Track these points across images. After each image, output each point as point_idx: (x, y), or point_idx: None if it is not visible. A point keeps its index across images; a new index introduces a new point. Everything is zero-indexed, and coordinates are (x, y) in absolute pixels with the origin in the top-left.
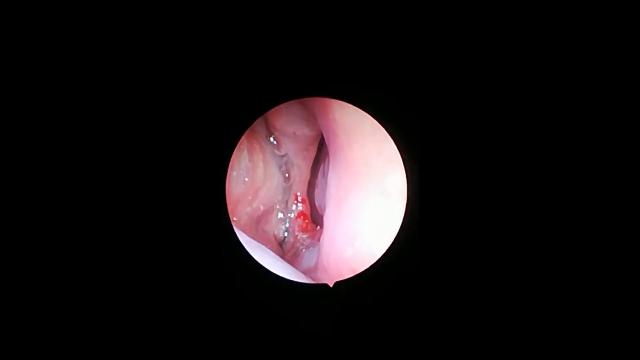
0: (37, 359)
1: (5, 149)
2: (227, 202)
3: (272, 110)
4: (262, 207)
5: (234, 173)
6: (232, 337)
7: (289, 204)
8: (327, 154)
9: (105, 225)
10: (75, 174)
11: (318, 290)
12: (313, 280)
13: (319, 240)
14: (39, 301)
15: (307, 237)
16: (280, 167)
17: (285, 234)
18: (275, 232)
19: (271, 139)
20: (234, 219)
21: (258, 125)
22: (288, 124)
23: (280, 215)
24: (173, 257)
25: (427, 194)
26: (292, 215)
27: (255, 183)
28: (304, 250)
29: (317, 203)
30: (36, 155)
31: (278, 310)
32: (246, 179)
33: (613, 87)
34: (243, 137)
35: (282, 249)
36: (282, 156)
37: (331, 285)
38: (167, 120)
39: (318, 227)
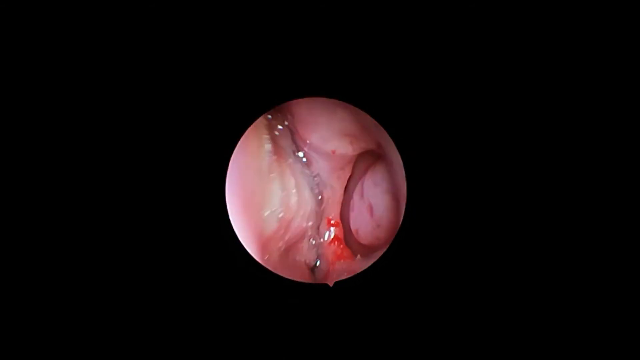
0: (37, 359)
1: (7, 149)
2: (258, 241)
3: (303, 120)
4: (294, 240)
5: (267, 212)
6: (232, 338)
7: (320, 229)
8: (366, 168)
9: (105, 225)
10: (75, 173)
11: (318, 290)
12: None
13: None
14: (38, 301)
15: (346, 271)
16: (312, 189)
17: (318, 262)
18: (307, 261)
19: (300, 154)
20: (265, 257)
21: (283, 138)
22: (326, 140)
23: (312, 241)
24: (172, 257)
25: (428, 194)
26: (325, 239)
27: (289, 215)
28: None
29: (352, 227)
30: (37, 156)
31: (278, 310)
32: (281, 215)
33: (615, 92)
34: (274, 164)
35: (314, 275)
36: (314, 176)
37: (331, 285)
38: (166, 121)
39: (357, 256)
